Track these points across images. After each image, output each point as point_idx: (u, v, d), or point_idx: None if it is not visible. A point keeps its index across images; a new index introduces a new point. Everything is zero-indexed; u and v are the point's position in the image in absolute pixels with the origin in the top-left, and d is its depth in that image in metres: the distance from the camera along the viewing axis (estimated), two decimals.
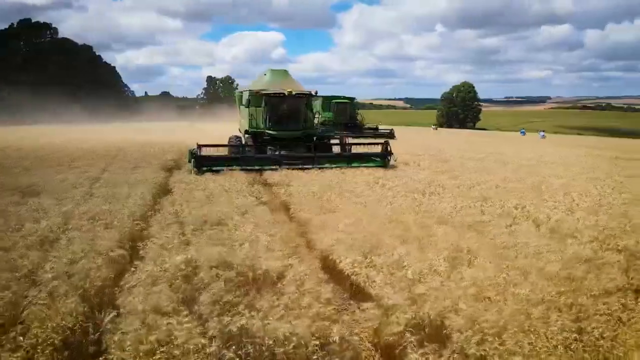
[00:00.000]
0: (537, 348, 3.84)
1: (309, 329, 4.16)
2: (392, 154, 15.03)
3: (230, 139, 17.16)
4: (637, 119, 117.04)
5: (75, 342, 4.19)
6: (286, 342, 4.01)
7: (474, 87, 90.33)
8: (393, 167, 15.04)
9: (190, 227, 7.44)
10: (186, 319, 4.32)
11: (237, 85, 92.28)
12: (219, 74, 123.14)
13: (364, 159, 15.15)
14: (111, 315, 4.44)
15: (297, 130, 15.28)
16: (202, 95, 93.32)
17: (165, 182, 12.26)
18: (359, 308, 4.72)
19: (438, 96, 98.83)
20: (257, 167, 13.78)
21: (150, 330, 4.13)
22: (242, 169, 13.25)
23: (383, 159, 15.01)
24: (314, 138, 15.79)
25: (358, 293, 5.21)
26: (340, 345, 4.04)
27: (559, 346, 3.90)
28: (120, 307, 4.65)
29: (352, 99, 34.67)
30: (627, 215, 8.92)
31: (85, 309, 4.62)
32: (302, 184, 11.56)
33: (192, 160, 13.33)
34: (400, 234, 7.34)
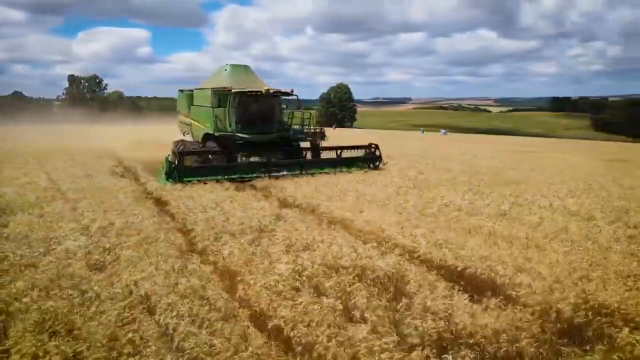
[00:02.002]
0: None
1: (503, 324, 4.21)
2: (382, 157, 14.76)
3: (176, 144, 15.21)
4: (486, 119, 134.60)
5: None
6: (494, 340, 4.02)
7: (349, 88, 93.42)
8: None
9: (248, 237, 6.86)
10: (368, 333, 4.08)
11: (107, 85, 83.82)
12: (77, 72, 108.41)
13: (353, 162, 14.43)
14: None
15: (271, 133, 13.84)
16: (63, 96, 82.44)
17: (145, 190, 10.99)
18: (511, 301, 4.84)
19: (312, 97, 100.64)
20: (246, 177, 12.21)
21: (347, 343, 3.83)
22: (229, 179, 11.72)
23: (373, 162, 14.62)
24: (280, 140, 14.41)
25: (488, 287, 5.31)
26: (537, 337, 4.14)
27: None
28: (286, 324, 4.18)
29: None
30: (603, 198, 10.34)
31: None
32: (295, 188, 11.18)
33: (173, 169, 11.48)
34: (452, 227, 7.69)
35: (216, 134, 13.27)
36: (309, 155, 14.31)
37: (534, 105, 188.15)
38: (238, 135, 13.16)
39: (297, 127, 14.44)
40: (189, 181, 11.17)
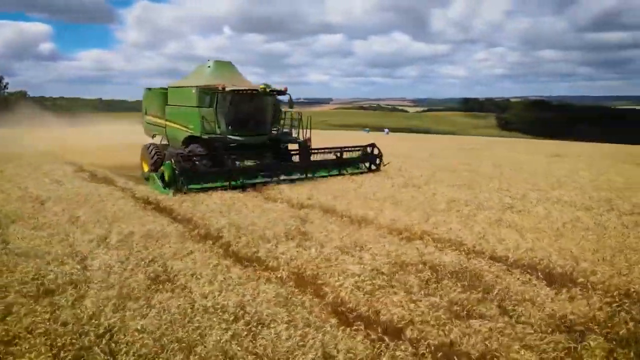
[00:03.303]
0: None
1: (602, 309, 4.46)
2: (382, 157, 14.34)
3: (148, 148, 13.79)
4: (405, 118, 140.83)
5: None
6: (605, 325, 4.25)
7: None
8: None
9: (291, 241, 6.68)
10: (491, 323, 4.14)
11: (7, 84, 76.29)
12: None
13: (354, 164, 13.88)
14: None
15: (264, 135, 12.65)
16: None
17: (134, 196, 10.15)
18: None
19: None
20: (253, 182, 11.21)
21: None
22: (234, 187, 10.74)
23: (374, 163, 14.21)
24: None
25: (550, 276, 5.55)
26: None
27: None
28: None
29: None
30: (581, 190, 11.25)
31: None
32: (291, 189, 10.75)
33: (178, 176, 10.16)
34: (474, 220, 7.98)
35: (204, 136, 11.98)
36: (294, 158, 13.63)
37: (446, 106, 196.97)
38: (230, 138, 12.01)
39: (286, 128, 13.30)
40: (197, 189, 10.19)
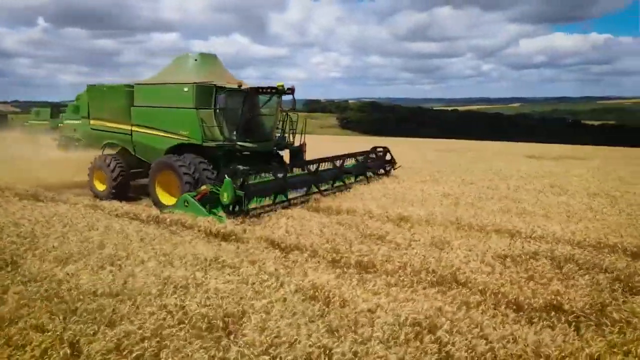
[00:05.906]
0: None
1: None
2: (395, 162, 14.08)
3: (105, 161, 11.17)
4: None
5: None
6: None
7: None
8: None
9: (384, 244, 6.62)
10: None
11: None
12: None
13: (369, 170, 13.22)
14: None
15: (270, 141, 11.15)
16: None
17: (127, 215, 8.72)
18: None
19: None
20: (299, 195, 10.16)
21: None
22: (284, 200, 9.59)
23: (390, 168, 13.92)
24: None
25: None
26: None
27: None
28: None
29: None
30: (526, 180, 13.04)
31: None
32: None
33: (240, 197, 8.32)
34: (495, 211, 8.81)
35: (206, 144, 10.02)
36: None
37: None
38: (240, 145, 10.27)
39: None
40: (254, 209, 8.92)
